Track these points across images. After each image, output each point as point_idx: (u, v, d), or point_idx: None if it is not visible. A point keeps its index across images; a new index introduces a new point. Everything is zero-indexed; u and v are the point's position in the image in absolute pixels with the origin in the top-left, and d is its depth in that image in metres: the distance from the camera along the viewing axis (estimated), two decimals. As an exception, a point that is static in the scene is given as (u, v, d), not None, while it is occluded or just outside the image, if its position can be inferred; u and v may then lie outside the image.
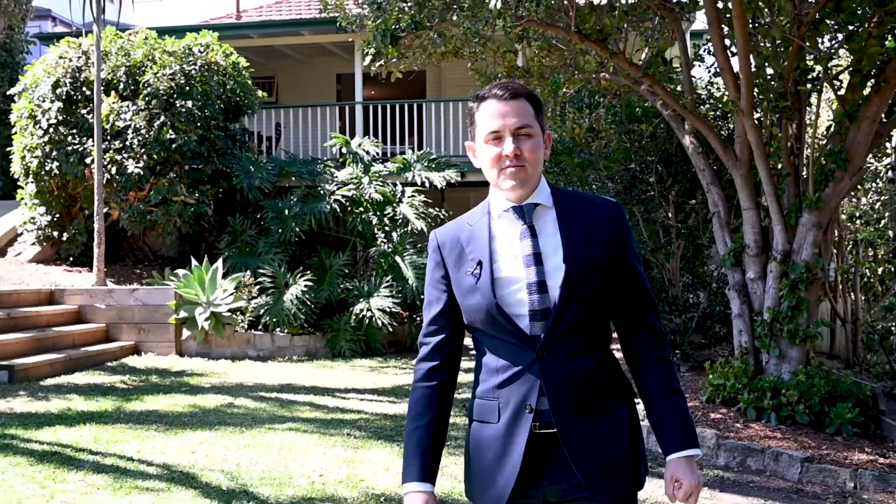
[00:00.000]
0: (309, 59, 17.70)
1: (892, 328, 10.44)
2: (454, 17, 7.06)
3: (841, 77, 7.35)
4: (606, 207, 2.18)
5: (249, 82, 13.18)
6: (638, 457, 2.15)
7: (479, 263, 2.12)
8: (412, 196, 12.13)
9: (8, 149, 16.89)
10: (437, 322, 2.22)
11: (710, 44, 7.37)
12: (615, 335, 2.26)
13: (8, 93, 14.06)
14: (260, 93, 13.51)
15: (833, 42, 6.83)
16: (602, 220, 2.14)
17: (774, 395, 6.41)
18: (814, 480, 5.44)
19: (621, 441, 2.12)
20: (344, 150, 12.79)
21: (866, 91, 6.45)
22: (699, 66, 9.61)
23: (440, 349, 2.21)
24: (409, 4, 6.76)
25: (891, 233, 11.27)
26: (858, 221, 11.69)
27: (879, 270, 11.69)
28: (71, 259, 12.82)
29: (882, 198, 11.35)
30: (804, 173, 6.81)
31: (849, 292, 11.89)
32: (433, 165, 12.79)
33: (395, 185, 12.40)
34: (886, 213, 11.22)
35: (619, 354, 2.25)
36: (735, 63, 6.76)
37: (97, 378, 8.84)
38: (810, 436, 6.13)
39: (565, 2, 6.60)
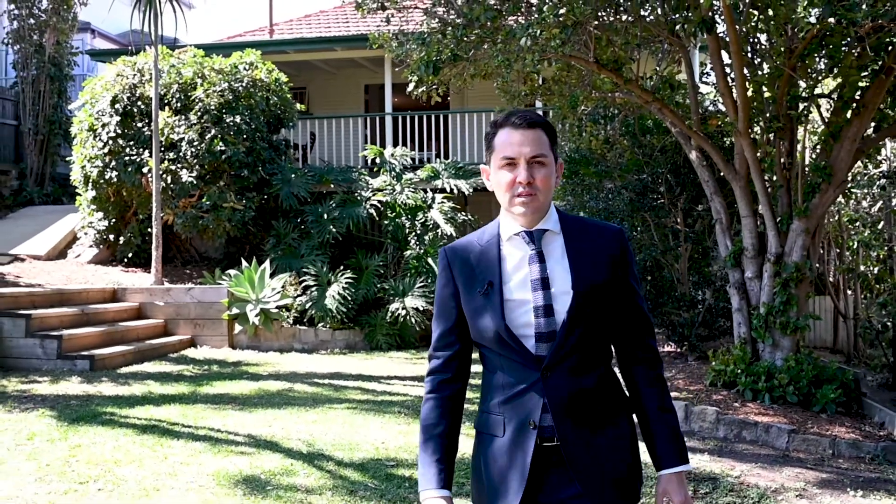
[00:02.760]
0: (338, 70, 18.74)
1: (888, 323, 11.25)
2: (487, 48, 8.05)
3: (825, 102, 8.30)
4: (610, 233, 2.26)
5: (289, 96, 14.23)
6: (637, 470, 2.25)
7: (490, 284, 2.19)
8: (441, 202, 13.13)
9: (58, 157, 18.07)
10: (448, 337, 2.30)
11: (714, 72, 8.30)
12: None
13: (70, 107, 15.13)
14: (298, 106, 14.55)
15: (819, 72, 7.76)
16: (606, 246, 2.23)
17: (768, 378, 7.38)
18: (798, 448, 6.40)
19: (622, 455, 2.20)
20: (378, 159, 13.80)
21: (848, 114, 7.40)
22: (706, 82, 10.56)
23: (451, 363, 2.30)
24: (448, 39, 7.76)
25: (886, 235, 12.15)
26: (858, 224, 12.60)
27: (875, 270, 12.57)
28: (125, 260, 13.90)
29: (878, 203, 12.23)
30: (795, 186, 7.77)
31: (849, 291, 12.80)
32: (460, 173, 13.79)
33: (425, 191, 13.41)
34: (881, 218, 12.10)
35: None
36: (734, 89, 7.73)
37: (164, 367, 9.87)
38: (799, 413, 7.10)
39: (584, 36, 7.58)
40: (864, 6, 5.36)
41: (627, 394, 2.29)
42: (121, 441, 6.25)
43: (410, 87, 8.25)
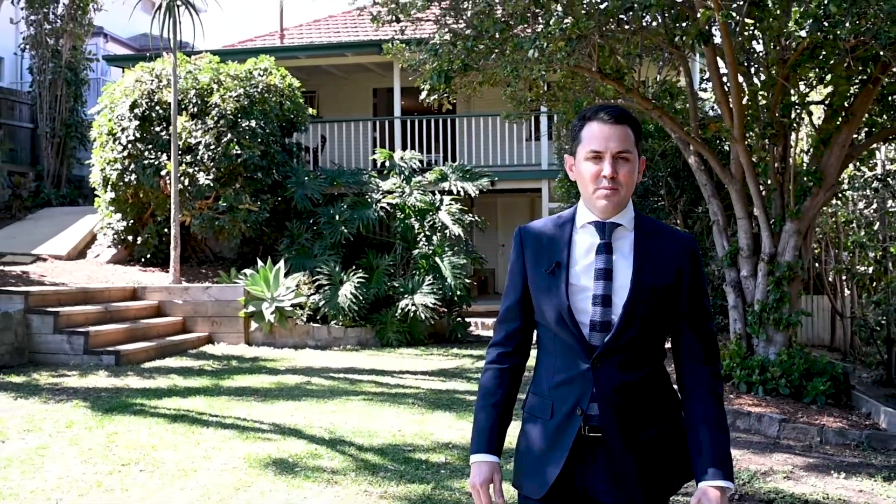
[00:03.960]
0: (348, 75, 19.18)
1: (882, 321, 11.64)
2: (495, 58, 8.48)
3: (817, 109, 8.72)
4: (681, 241, 2.28)
5: (301, 101, 14.69)
6: (674, 468, 2.26)
7: (558, 264, 2.25)
8: (449, 204, 13.57)
9: (74, 159, 18.53)
10: (512, 311, 2.37)
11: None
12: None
13: (89, 112, 15.59)
14: (310, 110, 15.01)
15: (810, 82, 8.18)
16: (675, 252, 2.25)
17: (762, 371, 7.79)
18: (789, 436, 6.83)
19: (661, 456, 2.22)
20: (387, 162, 14.25)
21: (837, 122, 7.82)
22: (704, 89, 10.99)
23: (513, 336, 2.37)
24: (459, 50, 8.19)
25: (880, 236, 12.54)
26: (854, 225, 12.99)
27: (870, 270, 12.95)
28: (143, 260, 14.36)
29: (873, 205, 12.62)
30: (787, 189, 8.19)
31: (846, 290, 13.18)
32: (467, 175, 14.23)
33: (433, 193, 13.85)
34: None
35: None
36: (730, 97, 8.15)
37: (185, 362, 10.31)
38: (790, 404, 7.52)
39: (589, 48, 8.00)
40: (847, 24, 5.78)
41: (680, 399, 2.30)
42: (154, 429, 6.68)
43: (423, 95, 8.68)
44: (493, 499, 2.28)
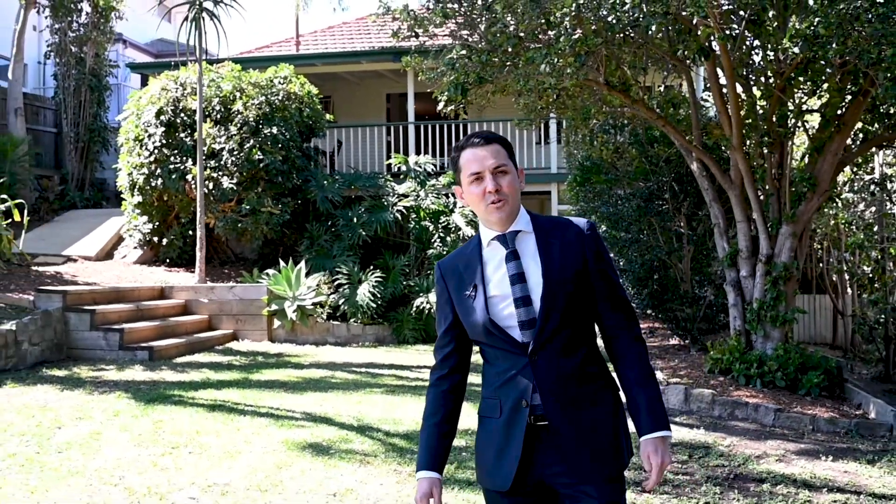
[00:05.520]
0: (361, 81, 19.75)
1: (881, 320, 12.09)
2: (509, 71, 9.01)
3: (811, 118, 9.24)
4: (579, 227, 2.49)
5: (320, 108, 15.26)
6: (621, 442, 2.43)
7: (475, 286, 2.46)
8: (462, 206, 14.11)
9: (98, 163, 19.15)
10: (444, 338, 2.57)
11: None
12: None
13: (117, 118, 16.20)
14: (328, 116, 15.58)
15: (804, 94, 8.69)
16: (575, 238, 2.45)
17: (759, 365, 8.31)
18: (783, 425, 7.35)
19: (605, 430, 2.40)
20: (403, 166, 14.81)
21: (830, 131, 8.33)
22: (706, 98, 11.49)
23: (447, 360, 2.57)
24: (474, 62, 8.73)
25: (878, 237, 13.01)
26: (853, 227, 13.46)
27: (869, 270, 13.41)
28: (168, 261, 14.95)
29: (871, 207, 13.10)
30: (783, 194, 8.70)
31: (848, 290, 13.65)
32: (479, 179, 14.77)
33: (447, 196, 14.41)
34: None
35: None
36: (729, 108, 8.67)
37: (213, 358, 10.87)
38: (786, 396, 8.04)
39: (597, 63, 8.53)
40: (834, 45, 6.30)
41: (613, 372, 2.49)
42: (194, 417, 7.23)
43: (440, 105, 9.21)
44: None
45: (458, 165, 2.51)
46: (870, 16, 6.42)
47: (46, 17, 18.92)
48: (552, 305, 2.36)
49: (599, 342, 2.52)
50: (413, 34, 9.09)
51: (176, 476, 5.49)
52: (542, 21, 7.59)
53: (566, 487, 2.38)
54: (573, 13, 6.93)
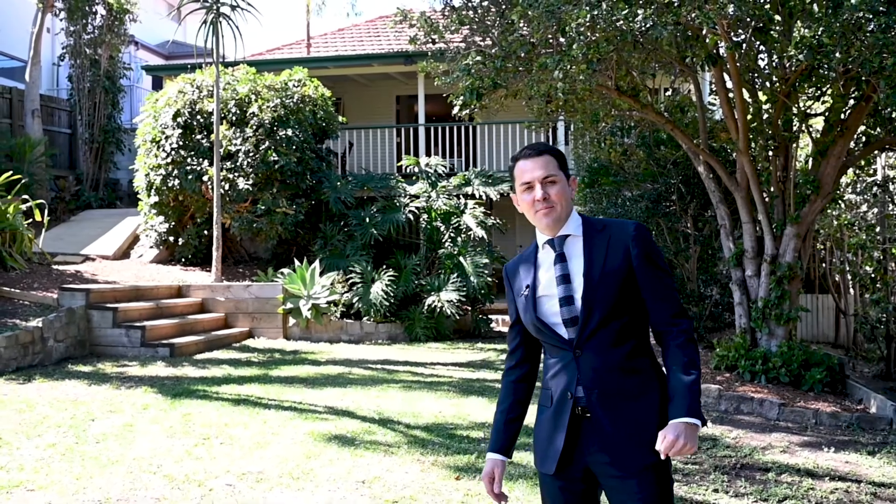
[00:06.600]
0: (372, 83, 20.04)
1: (882, 319, 12.34)
2: (522, 76, 9.29)
3: (814, 123, 9.51)
4: (624, 227, 2.62)
5: (333, 110, 15.56)
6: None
7: (528, 287, 2.66)
8: (473, 208, 14.41)
9: (112, 164, 19.45)
10: (511, 333, 2.81)
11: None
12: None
13: (133, 120, 16.50)
14: (341, 118, 15.88)
15: (809, 99, 8.97)
16: (621, 238, 2.58)
17: (764, 362, 8.59)
18: (787, 419, 7.62)
19: (648, 422, 2.49)
20: (415, 168, 15.10)
21: (833, 136, 8.60)
22: (712, 103, 11.76)
23: (514, 353, 2.80)
24: (488, 68, 9.02)
25: (880, 238, 13.27)
26: (856, 227, 13.71)
27: (871, 270, 13.66)
28: (183, 260, 15.26)
29: (874, 208, 13.35)
30: (788, 196, 8.98)
31: (850, 290, 13.90)
32: (489, 181, 15.07)
33: (458, 197, 14.70)
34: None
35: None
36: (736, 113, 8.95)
37: (232, 355, 11.17)
38: (790, 391, 8.31)
39: (609, 71, 8.81)
40: (837, 54, 6.58)
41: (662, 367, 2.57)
42: (221, 410, 7.53)
43: (455, 109, 9.50)
44: (493, 489, 2.69)
45: (513, 175, 2.68)
46: (872, 26, 6.71)
47: (61, 20, 19.21)
48: (593, 304, 2.51)
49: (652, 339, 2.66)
50: (430, 41, 9.37)
51: (210, 465, 5.78)
52: (556, 29, 7.86)
53: (607, 478, 2.51)
54: (587, 24, 7.19)
